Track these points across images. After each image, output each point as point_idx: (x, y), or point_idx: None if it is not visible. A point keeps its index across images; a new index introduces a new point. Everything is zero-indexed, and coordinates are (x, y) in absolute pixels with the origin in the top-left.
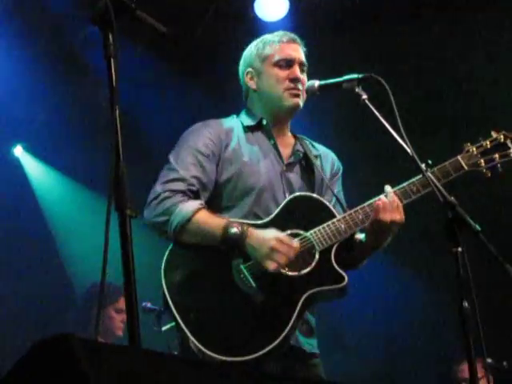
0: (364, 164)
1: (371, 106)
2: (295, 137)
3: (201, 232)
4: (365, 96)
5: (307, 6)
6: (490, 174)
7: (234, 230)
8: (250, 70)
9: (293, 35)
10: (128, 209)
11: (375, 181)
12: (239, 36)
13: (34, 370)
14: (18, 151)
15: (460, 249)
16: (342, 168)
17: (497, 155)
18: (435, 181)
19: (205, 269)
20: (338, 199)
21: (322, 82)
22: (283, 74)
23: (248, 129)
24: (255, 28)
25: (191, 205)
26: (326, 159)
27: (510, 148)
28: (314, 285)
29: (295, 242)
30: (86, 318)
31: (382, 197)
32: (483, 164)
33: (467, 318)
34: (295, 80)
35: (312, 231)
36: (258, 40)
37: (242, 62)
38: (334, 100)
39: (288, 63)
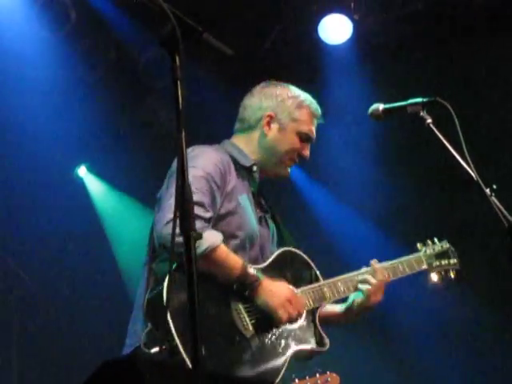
0: None
1: (436, 131)
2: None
3: (223, 264)
4: (429, 120)
5: (370, 29)
6: (437, 280)
7: (253, 271)
8: (272, 114)
9: (320, 111)
10: (193, 231)
11: None
12: (302, 57)
13: None
14: (82, 172)
15: None
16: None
17: (444, 261)
18: (499, 204)
19: (205, 301)
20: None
21: (387, 106)
22: (299, 146)
23: (240, 169)
24: (318, 50)
25: (217, 234)
26: (274, 211)
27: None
28: (301, 341)
29: (302, 298)
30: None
31: (367, 277)
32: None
33: None
34: (303, 158)
35: (301, 290)
36: (292, 91)
37: (266, 99)
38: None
39: (308, 139)
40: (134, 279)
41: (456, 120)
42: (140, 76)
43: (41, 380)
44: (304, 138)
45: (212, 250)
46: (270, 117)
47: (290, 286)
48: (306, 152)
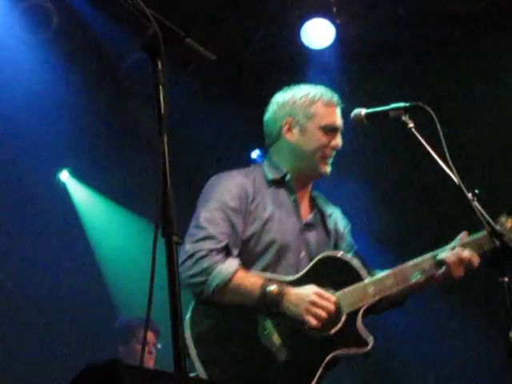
0: None
1: (418, 135)
2: (312, 195)
3: (239, 292)
4: (411, 124)
5: (353, 34)
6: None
7: (273, 287)
8: (289, 120)
9: (337, 97)
10: (175, 235)
11: None
12: (285, 62)
13: None
14: (64, 176)
15: (507, 278)
16: (349, 224)
17: None
18: (482, 210)
19: (230, 324)
20: (356, 252)
21: (369, 111)
22: (326, 140)
23: (271, 182)
24: (301, 55)
25: (230, 265)
26: (338, 216)
27: None
28: (338, 347)
29: (333, 296)
30: (115, 355)
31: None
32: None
33: None
34: (336, 148)
35: (340, 292)
36: (301, 91)
37: (279, 108)
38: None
39: (333, 130)
40: (115, 284)
41: (438, 125)
42: (122, 81)
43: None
44: (328, 130)
45: (223, 285)
46: (288, 123)
47: (315, 288)
48: (336, 142)
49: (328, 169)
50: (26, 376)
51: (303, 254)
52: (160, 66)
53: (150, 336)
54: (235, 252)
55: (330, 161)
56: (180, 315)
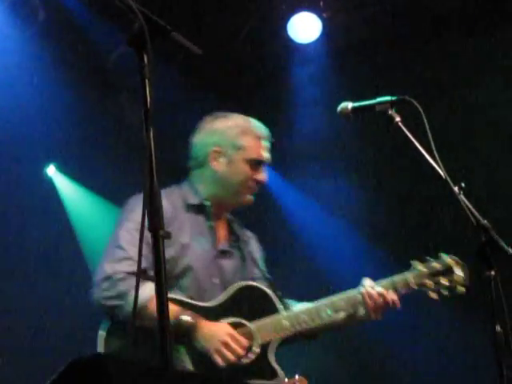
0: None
1: (404, 129)
2: (228, 219)
3: (153, 318)
4: (398, 119)
5: (339, 28)
6: (436, 297)
7: (187, 318)
8: (217, 149)
9: (265, 130)
10: (161, 229)
11: None
12: (272, 56)
13: None
14: (51, 171)
15: (493, 272)
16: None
17: (443, 280)
18: (468, 204)
19: (143, 345)
20: (270, 282)
21: (356, 105)
22: (252, 173)
23: (190, 207)
24: (288, 48)
25: (146, 291)
26: (253, 243)
27: (454, 274)
28: (251, 376)
29: (245, 340)
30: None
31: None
32: (430, 286)
33: (500, 342)
34: (260, 183)
35: (255, 324)
36: (232, 120)
37: (206, 135)
38: None
39: (259, 163)
40: None
41: (425, 119)
42: (109, 75)
43: (4, 379)
44: (254, 164)
45: (139, 311)
46: (216, 152)
47: (229, 328)
48: (261, 177)
49: (251, 199)
50: (12, 370)
51: (217, 280)
52: (146, 60)
53: None
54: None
55: (254, 192)
56: (166, 309)
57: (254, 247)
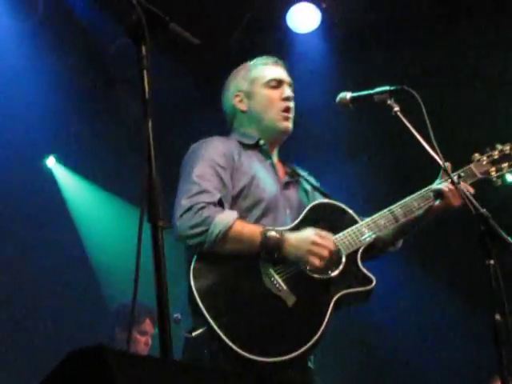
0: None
1: (403, 118)
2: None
3: (241, 240)
4: (397, 108)
5: (339, 19)
6: (500, 183)
7: (272, 233)
8: (237, 94)
9: (274, 58)
10: (160, 220)
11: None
12: (271, 46)
13: (67, 380)
14: (51, 162)
15: (492, 261)
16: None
17: (505, 165)
18: (466, 191)
19: (234, 274)
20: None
21: (355, 94)
22: (275, 94)
23: (247, 147)
24: (287, 39)
25: (230, 214)
26: (311, 177)
27: None
28: (342, 287)
29: (331, 235)
30: (109, 337)
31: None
32: (493, 172)
33: (499, 330)
34: (288, 99)
35: (338, 235)
36: (240, 67)
37: (227, 89)
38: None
39: (278, 83)
40: (103, 270)
41: (423, 108)
42: (109, 66)
43: (2, 370)
44: (273, 84)
45: (225, 232)
46: (238, 96)
47: (314, 229)
48: (285, 93)
49: (288, 124)
50: (11, 362)
51: (288, 211)
52: (144, 51)
53: (150, 326)
54: (227, 207)
55: (288, 115)
56: (165, 300)
57: (313, 181)
